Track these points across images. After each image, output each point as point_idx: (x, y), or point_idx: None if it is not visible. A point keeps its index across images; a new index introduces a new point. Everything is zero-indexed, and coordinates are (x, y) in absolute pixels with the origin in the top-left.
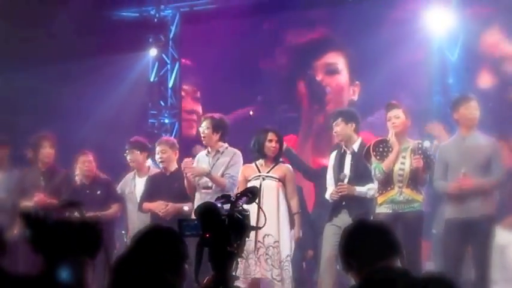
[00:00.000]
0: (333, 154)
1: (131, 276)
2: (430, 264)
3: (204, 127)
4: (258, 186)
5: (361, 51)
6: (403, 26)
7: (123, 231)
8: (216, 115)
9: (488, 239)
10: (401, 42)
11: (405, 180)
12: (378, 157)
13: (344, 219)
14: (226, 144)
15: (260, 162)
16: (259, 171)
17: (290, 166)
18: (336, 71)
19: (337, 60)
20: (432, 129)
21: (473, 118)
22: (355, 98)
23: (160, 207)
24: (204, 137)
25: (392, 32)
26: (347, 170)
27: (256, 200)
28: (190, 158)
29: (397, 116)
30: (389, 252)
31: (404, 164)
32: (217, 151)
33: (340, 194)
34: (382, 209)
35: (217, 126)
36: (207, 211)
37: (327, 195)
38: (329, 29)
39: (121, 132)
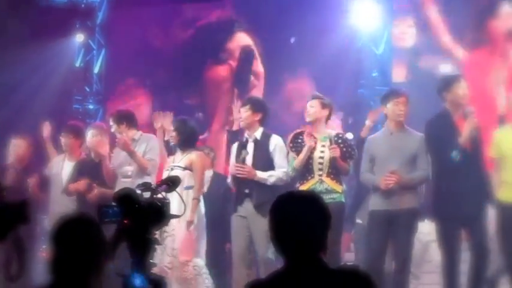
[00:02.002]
0: (235, 145)
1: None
2: (349, 255)
3: (111, 125)
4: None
5: (280, 40)
6: (330, 18)
7: (44, 216)
8: (115, 110)
9: (411, 232)
10: (326, 34)
11: (325, 169)
12: (293, 149)
13: (247, 207)
14: (140, 132)
15: (178, 152)
16: (173, 161)
17: (200, 153)
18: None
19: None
20: (372, 117)
21: (401, 114)
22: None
23: (85, 186)
24: (116, 134)
25: (317, 23)
26: (249, 158)
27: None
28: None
29: (311, 105)
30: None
31: (324, 152)
32: (133, 139)
33: (239, 175)
34: None
35: (118, 119)
36: (126, 197)
37: (229, 181)
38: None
39: (46, 117)
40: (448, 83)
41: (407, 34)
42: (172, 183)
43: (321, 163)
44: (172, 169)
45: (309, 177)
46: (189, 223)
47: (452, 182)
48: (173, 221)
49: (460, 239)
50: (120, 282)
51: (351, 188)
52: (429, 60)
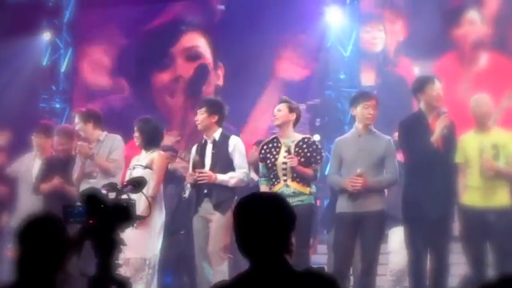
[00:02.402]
0: (194, 147)
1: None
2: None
3: (76, 122)
4: (129, 176)
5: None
6: (298, 19)
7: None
8: (84, 108)
9: (378, 234)
10: (295, 35)
11: (289, 174)
12: (260, 157)
13: (207, 208)
14: (105, 132)
15: (142, 152)
16: (138, 161)
17: (163, 153)
18: (198, 55)
19: (198, 42)
20: None
21: (370, 117)
22: (221, 82)
23: (59, 185)
24: (80, 132)
25: (287, 24)
26: (208, 158)
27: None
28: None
29: (278, 109)
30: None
31: (287, 157)
32: (98, 140)
33: (200, 182)
34: None
35: (87, 117)
36: (91, 197)
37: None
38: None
39: (12, 115)
40: (421, 84)
41: (377, 39)
42: (137, 184)
43: (284, 169)
44: (134, 168)
45: (276, 183)
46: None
47: (423, 183)
48: None
49: (426, 241)
50: (85, 282)
51: (328, 190)
52: (399, 63)
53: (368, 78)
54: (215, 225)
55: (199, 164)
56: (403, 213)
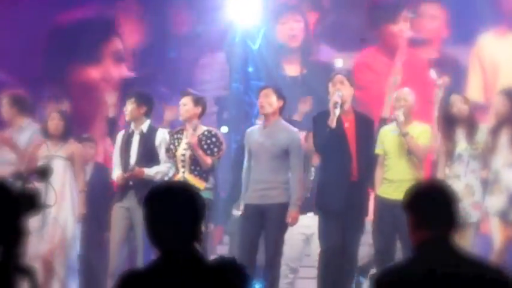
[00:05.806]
0: (120, 134)
1: None
2: (221, 248)
3: (2, 104)
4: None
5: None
6: (206, 11)
7: None
8: (14, 91)
9: (280, 227)
10: (203, 29)
11: (187, 166)
12: (170, 147)
13: (131, 199)
14: (28, 120)
15: (49, 141)
16: (49, 151)
17: (79, 144)
18: (123, 58)
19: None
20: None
21: (262, 106)
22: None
23: None
24: (3, 115)
25: (194, 18)
26: (134, 150)
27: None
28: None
29: (184, 103)
30: None
31: (186, 150)
32: (20, 126)
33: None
34: None
35: (13, 102)
36: None
37: (114, 177)
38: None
39: None
40: (327, 84)
41: (296, 30)
42: (43, 172)
43: (183, 160)
44: (52, 158)
45: (176, 174)
46: (82, 215)
47: (334, 176)
48: (57, 212)
49: (339, 233)
50: None
51: (224, 182)
52: (322, 52)
53: (292, 70)
54: (141, 223)
55: (124, 154)
56: (317, 205)
